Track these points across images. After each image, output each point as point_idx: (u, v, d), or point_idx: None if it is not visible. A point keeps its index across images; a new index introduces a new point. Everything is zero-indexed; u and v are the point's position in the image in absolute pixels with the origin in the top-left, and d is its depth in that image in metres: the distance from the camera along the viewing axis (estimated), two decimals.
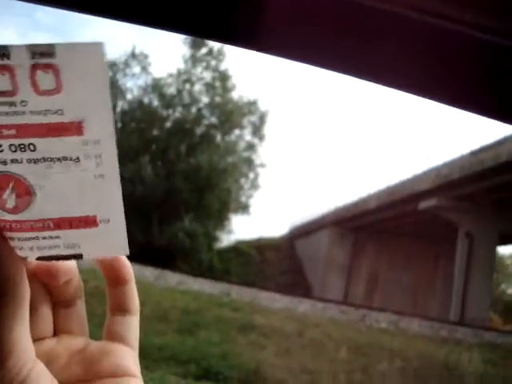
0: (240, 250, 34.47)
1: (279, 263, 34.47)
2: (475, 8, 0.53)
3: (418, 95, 0.64)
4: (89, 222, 0.33)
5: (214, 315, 11.68)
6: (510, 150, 17.32)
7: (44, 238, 0.33)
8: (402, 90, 0.63)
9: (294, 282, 32.61)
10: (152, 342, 9.07)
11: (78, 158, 0.31)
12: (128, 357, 0.40)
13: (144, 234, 28.73)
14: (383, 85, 0.63)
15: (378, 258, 31.79)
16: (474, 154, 20.46)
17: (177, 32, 0.62)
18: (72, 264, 0.38)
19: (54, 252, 0.34)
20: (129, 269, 0.42)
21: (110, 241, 0.34)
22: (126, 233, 0.34)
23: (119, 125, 32.32)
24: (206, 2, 0.57)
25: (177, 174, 29.15)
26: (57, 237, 0.34)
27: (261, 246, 35.56)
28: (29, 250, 0.34)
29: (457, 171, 20.47)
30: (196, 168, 28.82)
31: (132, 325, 0.42)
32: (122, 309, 0.42)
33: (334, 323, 13.13)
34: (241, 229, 69.08)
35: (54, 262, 0.36)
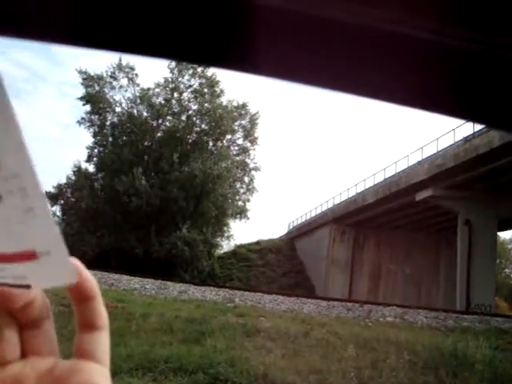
0: (240, 254, 34.40)
1: (280, 265, 34.40)
2: (436, 15, 0.53)
3: (384, 101, 0.64)
4: (28, 255, 0.33)
5: (219, 322, 11.61)
6: (502, 135, 17.31)
7: None
8: (367, 97, 0.63)
9: (297, 282, 32.55)
10: (158, 353, 9.00)
11: (0, 196, 0.31)
12: (97, 373, 0.39)
13: (142, 246, 28.66)
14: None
15: (380, 253, 31.78)
16: (467, 140, 20.45)
17: (165, 59, 0.62)
18: None
19: (2, 281, 0.35)
20: (93, 284, 0.40)
21: (55, 271, 0.34)
22: (69, 262, 0.35)
23: (110, 139, 32.32)
24: (194, 28, 0.56)
25: (171, 184, 29.08)
26: (1, 269, 0.34)
27: (261, 249, 35.50)
28: None
29: (451, 159, 20.45)
30: (190, 176, 28.75)
31: (100, 341, 0.41)
32: (89, 325, 0.40)
33: (339, 321, 13.07)
34: (240, 233, 69.11)
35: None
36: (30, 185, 0.31)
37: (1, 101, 0.28)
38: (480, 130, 20.05)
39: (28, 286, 0.35)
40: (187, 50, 0.58)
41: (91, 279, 0.40)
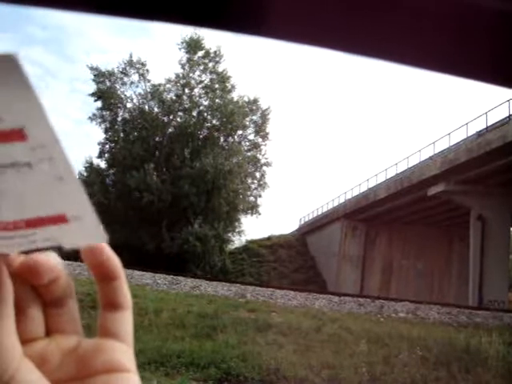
0: (252, 249, 34.43)
1: (292, 260, 34.39)
2: None
3: (429, 69, 0.61)
4: (59, 219, 0.34)
5: (231, 317, 11.63)
6: None
7: (20, 236, 0.34)
8: (410, 65, 0.60)
9: (308, 278, 32.53)
10: (170, 348, 9.04)
11: (29, 163, 0.32)
12: (120, 352, 0.40)
13: (154, 242, 28.76)
14: (391, 61, 0.60)
15: (392, 248, 31.65)
16: (480, 135, 20.26)
17: (174, 23, 0.59)
18: (56, 262, 0.38)
19: (32, 246, 0.35)
20: (116, 263, 0.40)
21: (85, 233, 0.35)
22: (99, 225, 0.35)
23: (121, 135, 32.44)
24: None
25: (183, 179, 29.13)
26: (33, 234, 0.34)
27: (272, 245, 35.50)
28: (6, 247, 0.34)
29: (463, 154, 20.28)
30: (201, 171, 28.78)
31: (124, 320, 0.41)
32: (113, 304, 0.41)
33: (351, 316, 13.04)
34: (252, 229, 69.17)
35: (36, 261, 0.36)
36: (57, 155, 0.32)
37: (21, 78, 0.29)
38: (493, 124, 19.86)
39: (59, 248, 0.36)
40: (190, 11, 0.56)
41: (115, 258, 0.40)
